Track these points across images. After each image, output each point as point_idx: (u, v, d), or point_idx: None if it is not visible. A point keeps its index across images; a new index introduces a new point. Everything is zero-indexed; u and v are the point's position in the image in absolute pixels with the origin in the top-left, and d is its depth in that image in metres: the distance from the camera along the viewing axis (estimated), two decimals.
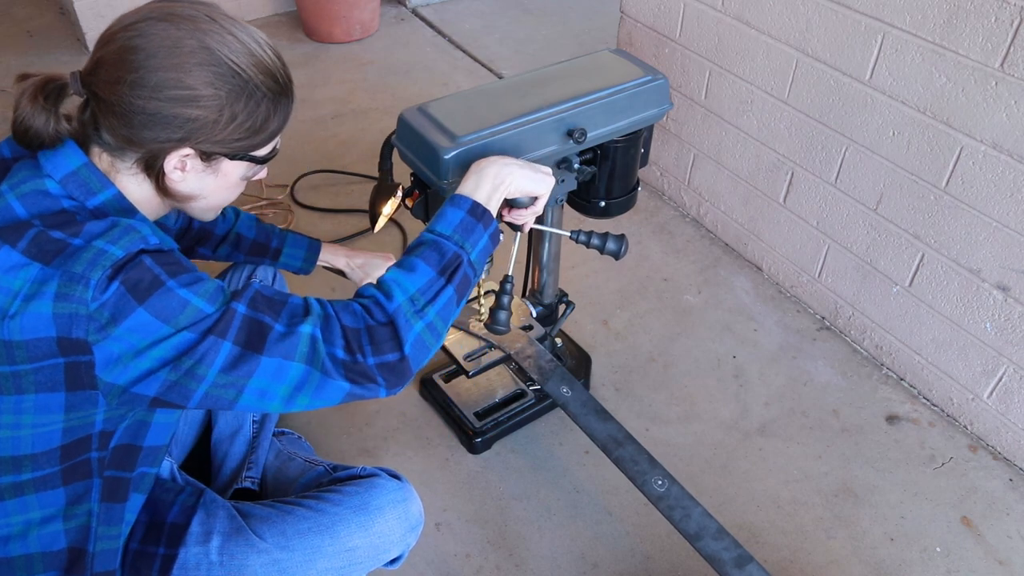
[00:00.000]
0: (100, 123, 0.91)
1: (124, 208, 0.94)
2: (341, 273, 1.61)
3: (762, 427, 1.83)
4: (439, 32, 3.60)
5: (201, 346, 0.86)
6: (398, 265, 1.00)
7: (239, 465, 1.46)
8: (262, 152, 1.01)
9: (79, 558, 1.00)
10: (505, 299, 1.33)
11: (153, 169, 0.94)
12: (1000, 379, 1.73)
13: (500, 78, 3.22)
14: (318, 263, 1.56)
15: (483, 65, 3.34)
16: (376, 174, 1.49)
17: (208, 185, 0.99)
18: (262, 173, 1.07)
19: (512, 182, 1.09)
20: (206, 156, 0.95)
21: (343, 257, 1.58)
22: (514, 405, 1.77)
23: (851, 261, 1.98)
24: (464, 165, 1.23)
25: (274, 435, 1.55)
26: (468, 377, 1.69)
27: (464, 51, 3.45)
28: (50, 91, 0.90)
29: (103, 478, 0.98)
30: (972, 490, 1.70)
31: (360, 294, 1.00)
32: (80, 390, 0.87)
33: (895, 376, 1.96)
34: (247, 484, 1.45)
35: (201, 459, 1.51)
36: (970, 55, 1.54)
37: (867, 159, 1.83)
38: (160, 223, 1.08)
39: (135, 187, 0.96)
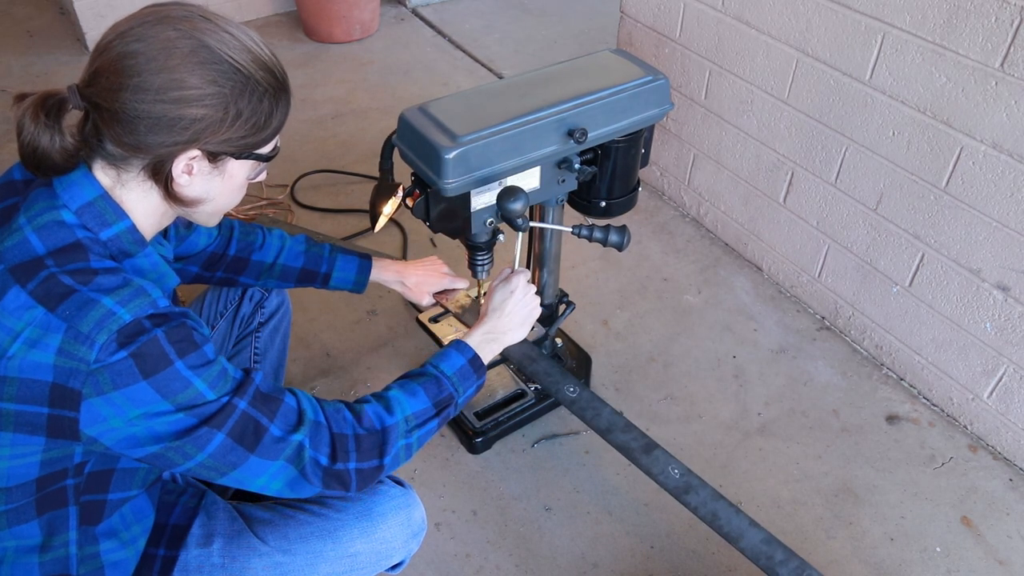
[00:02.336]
0: (103, 134, 0.90)
1: (135, 240, 0.95)
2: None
3: (762, 427, 1.83)
4: (439, 32, 3.60)
5: (197, 432, 0.89)
6: (400, 386, 1.11)
7: None
8: (266, 150, 1.01)
9: None
10: None
11: (161, 175, 0.93)
12: (1000, 379, 1.73)
13: (500, 78, 3.22)
14: (372, 281, 1.52)
15: (483, 65, 3.34)
16: (376, 174, 1.49)
17: (215, 187, 0.99)
18: (263, 175, 1.07)
19: (509, 342, 1.27)
20: (213, 157, 0.94)
21: (394, 275, 1.52)
22: (514, 405, 1.77)
23: (851, 261, 1.98)
24: (465, 164, 1.23)
25: None
26: None
27: (464, 51, 3.45)
28: (50, 107, 0.88)
29: (79, 504, 0.97)
30: (972, 490, 1.70)
31: (361, 400, 1.08)
32: (60, 439, 0.88)
33: (895, 376, 1.96)
34: None
35: None
36: (970, 55, 1.54)
37: (867, 159, 1.83)
38: (161, 255, 1.07)
39: (141, 197, 0.95)
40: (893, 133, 1.75)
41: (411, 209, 1.37)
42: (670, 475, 1.31)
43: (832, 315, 2.09)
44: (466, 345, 1.20)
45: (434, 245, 2.30)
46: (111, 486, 1.01)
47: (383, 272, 1.51)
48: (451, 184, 1.24)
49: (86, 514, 0.99)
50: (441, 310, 1.65)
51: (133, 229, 0.95)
